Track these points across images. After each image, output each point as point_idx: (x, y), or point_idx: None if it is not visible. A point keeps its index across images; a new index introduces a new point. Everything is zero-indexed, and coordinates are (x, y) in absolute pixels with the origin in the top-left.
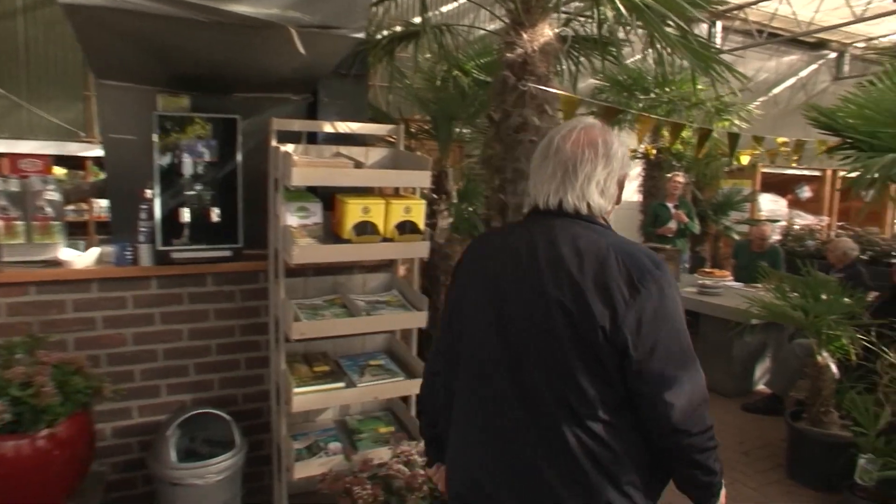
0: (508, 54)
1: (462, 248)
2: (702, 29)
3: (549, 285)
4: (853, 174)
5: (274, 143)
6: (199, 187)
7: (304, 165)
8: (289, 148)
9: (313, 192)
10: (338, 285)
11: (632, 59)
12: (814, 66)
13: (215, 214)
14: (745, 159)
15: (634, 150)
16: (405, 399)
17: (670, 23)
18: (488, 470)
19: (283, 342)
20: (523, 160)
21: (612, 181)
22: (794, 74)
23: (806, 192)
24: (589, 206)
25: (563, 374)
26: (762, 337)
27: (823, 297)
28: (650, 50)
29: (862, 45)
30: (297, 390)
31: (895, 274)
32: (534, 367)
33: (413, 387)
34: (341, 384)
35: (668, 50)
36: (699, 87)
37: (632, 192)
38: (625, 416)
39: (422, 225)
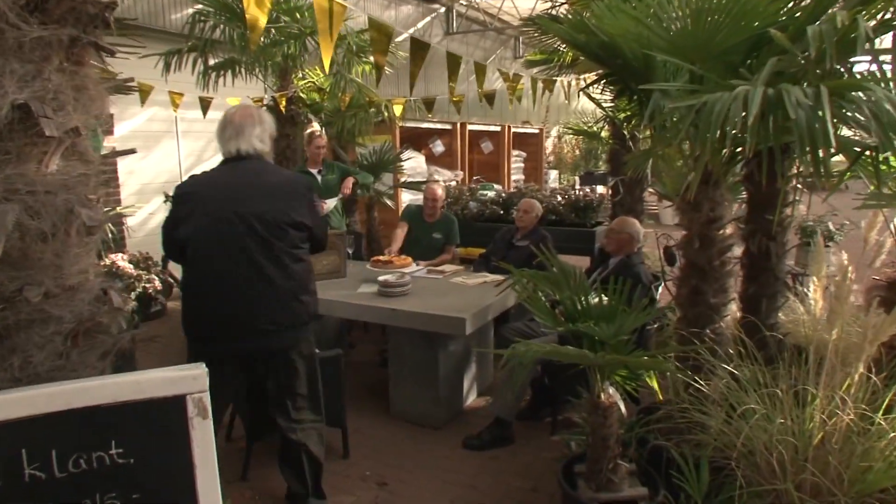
0: None
1: None
2: None
3: (263, 197)
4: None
5: None
6: None
7: None
8: None
9: None
10: None
11: None
12: (427, 20)
13: None
14: (398, 109)
15: (260, 101)
16: None
17: None
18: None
19: None
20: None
21: (266, 135)
22: (412, 26)
23: (439, 147)
24: (256, 149)
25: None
26: (465, 339)
27: (593, 302)
28: None
29: (465, 2)
30: None
31: (614, 241)
32: (261, 242)
33: None
34: None
35: None
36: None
37: None
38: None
39: None
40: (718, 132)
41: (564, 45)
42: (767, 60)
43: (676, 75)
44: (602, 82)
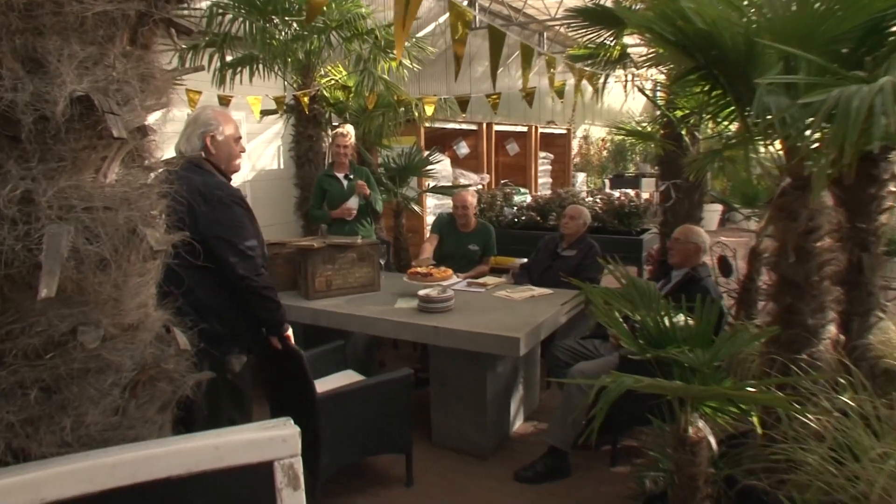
0: None
1: None
2: None
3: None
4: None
5: None
6: None
7: None
8: None
9: None
10: None
11: None
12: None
13: None
14: (429, 108)
15: (280, 99)
16: None
17: None
18: None
19: None
20: None
21: (195, 135)
22: (433, 20)
23: (464, 149)
24: (180, 149)
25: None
26: (513, 359)
27: (674, 322)
28: None
29: None
30: None
31: (678, 252)
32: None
33: None
34: None
35: None
36: (364, 8)
37: (272, 157)
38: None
39: None
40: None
41: (613, 39)
42: (886, 50)
43: (768, 68)
44: (685, 77)
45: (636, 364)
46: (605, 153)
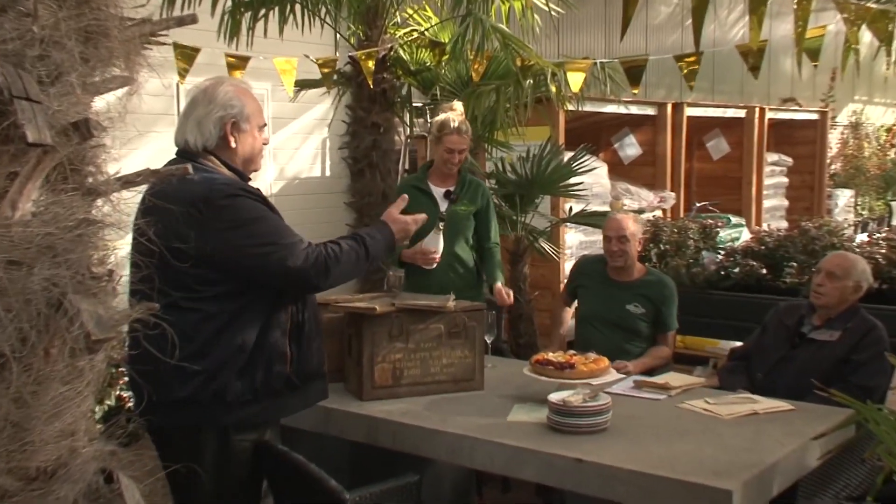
0: None
1: None
2: None
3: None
4: None
5: None
6: None
7: None
8: None
9: None
10: None
11: None
12: None
13: None
14: (577, 81)
15: (329, 63)
16: None
17: None
18: None
19: None
20: None
21: (210, 119)
22: None
23: (633, 148)
24: (186, 141)
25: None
26: None
27: None
28: None
29: None
30: None
31: None
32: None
33: None
34: None
35: None
36: None
37: (311, 158)
38: None
39: None
40: None
41: None
42: None
43: None
44: None
45: None
46: (893, 155)
